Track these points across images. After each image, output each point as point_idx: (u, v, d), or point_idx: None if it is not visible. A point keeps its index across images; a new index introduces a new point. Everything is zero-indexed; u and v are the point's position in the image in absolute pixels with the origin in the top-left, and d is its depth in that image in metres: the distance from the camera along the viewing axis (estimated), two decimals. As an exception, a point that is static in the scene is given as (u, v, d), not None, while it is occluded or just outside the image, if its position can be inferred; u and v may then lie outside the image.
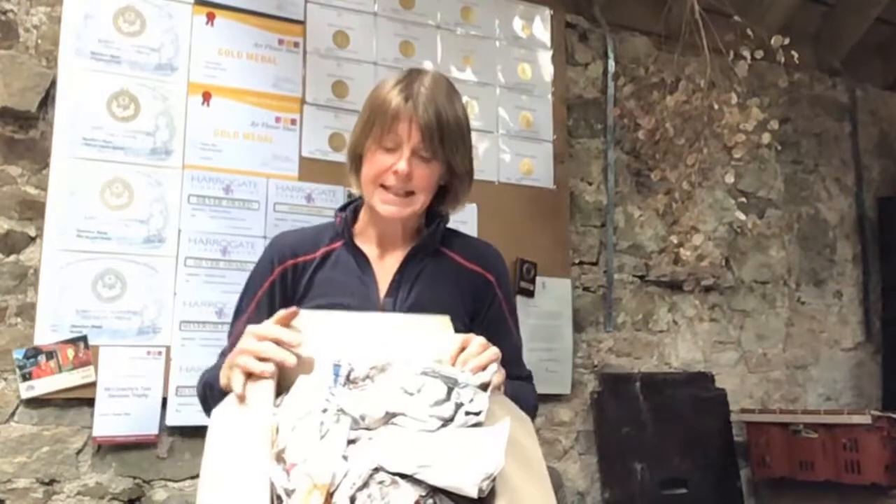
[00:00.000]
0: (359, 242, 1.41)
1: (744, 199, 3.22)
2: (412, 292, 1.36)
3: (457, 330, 1.23)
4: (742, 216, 3.02)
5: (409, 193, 1.34)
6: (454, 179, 1.41)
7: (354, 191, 1.44)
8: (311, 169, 2.50)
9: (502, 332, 1.41)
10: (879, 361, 3.70)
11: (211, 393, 1.26)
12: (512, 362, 1.37)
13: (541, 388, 2.75)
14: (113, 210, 2.22)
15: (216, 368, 1.25)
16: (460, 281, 1.42)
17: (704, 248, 2.89)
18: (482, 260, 1.45)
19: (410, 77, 1.36)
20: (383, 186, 1.33)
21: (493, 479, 0.93)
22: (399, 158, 1.31)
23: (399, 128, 1.31)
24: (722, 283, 3.30)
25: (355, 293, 1.35)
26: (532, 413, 1.34)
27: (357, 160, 1.40)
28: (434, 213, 1.44)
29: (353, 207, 1.44)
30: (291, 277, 1.39)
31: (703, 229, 2.94)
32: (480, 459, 0.93)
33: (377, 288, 1.37)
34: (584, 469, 2.90)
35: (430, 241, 1.42)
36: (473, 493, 0.90)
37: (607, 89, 3.13)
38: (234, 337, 1.30)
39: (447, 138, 1.33)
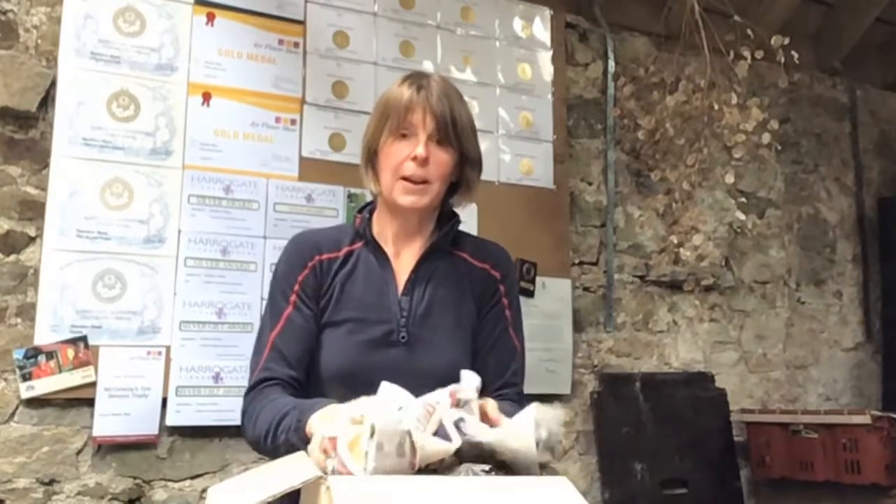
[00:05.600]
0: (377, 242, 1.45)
1: (744, 199, 3.22)
2: (426, 292, 1.41)
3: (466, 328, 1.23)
4: (742, 216, 3.02)
5: (426, 182, 1.38)
6: (467, 167, 1.45)
7: (372, 188, 1.47)
8: (311, 169, 2.50)
9: (498, 330, 1.44)
10: (879, 361, 3.70)
11: (281, 438, 1.23)
12: (501, 370, 1.41)
13: (541, 388, 2.77)
14: (113, 210, 2.22)
15: (296, 412, 1.23)
16: (471, 280, 1.46)
17: (704, 248, 2.89)
18: (491, 258, 1.50)
19: (419, 75, 1.43)
20: (403, 178, 1.37)
21: None
22: (416, 144, 1.36)
23: (413, 117, 1.37)
24: (722, 283, 3.30)
25: (375, 292, 1.40)
26: None
27: (372, 157, 1.44)
28: (445, 214, 1.48)
29: (368, 209, 1.49)
30: (320, 272, 1.42)
31: (703, 229, 2.94)
32: None
33: (396, 286, 1.41)
34: (584, 469, 2.89)
35: (443, 241, 1.46)
36: None
37: (607, 89, 3.13)
38: (279, 330, 1.37)
39: (460, 124, 1.40)
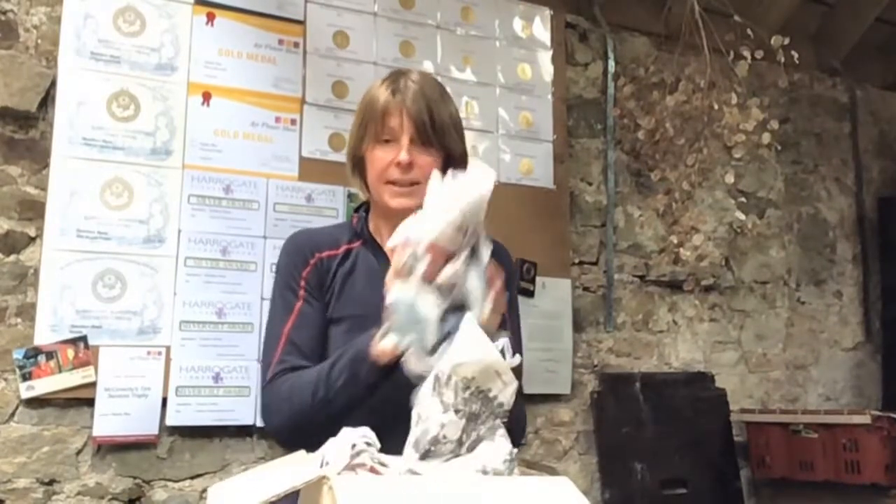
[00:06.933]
0: None
1: (744, 199, 3.22)
2: None
3: None
4: (742, 216, 3.03)
5: (415, 183, 1.37)
6: (451, 165, 1.43)
7: (361, 194, 1.48)
8: (311, 169, 2.50)
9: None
10: (879, 361, 3.70)
11: (339, 381, 1.24)
12: None
13: (541, 388, 2.78)
14: (113, 210, 2.22)
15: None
16: None
17: (704, 248, 2.89)
18: (494, 256, 1.48)
19: (397, 74, 1.42)
20: (390, 182, 1.37)
21: None
22: (399, 150, 1.36)
23: (392, 121, 1.36)
24: (722, 283, 3.30)
25: (376, 290, 1.37)
26: (522, 436, 1.39)
27: (358, 163, 1.44)
28: None
29: (364, 208, 1.49)
30: (321, 269, 1.41)
31: (703, 229, 2.94)
32: None
33: None
34: (584, 469, 2.89)
35: None
36: None
37: (607, 89, 3.13)
38: (292, 323, 1.36)
39: (438, 124, 1.38)
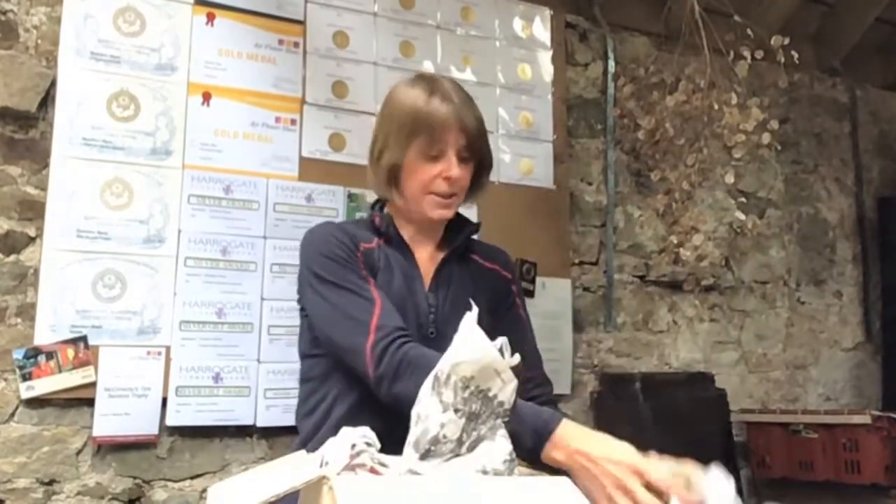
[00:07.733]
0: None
1: (744, 199, 3.22)
2: (450, 292, 1.46)
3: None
4: (742, 216, 3.02)
5: (454, 195, 1.44)
6: (482, 173, 1.51)
7: (397, 200, 1.48)
8: (311, 169, 2.50)
9: (521, 332, 1.50)
10: (879, 361, 3.70)
11: None
12: (534, 365, 1.46)
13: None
14: (113, 210, 2.22)
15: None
16: (483, 280, 1.52)
17: (704, 248, 2.89)
18: (499, 260, 1.58)
19: (434, 83, 1.43)
20: (431, 193, 1.42)
21: None
22: (448, 164, 1.40)
23: (447, 136, 1.39)
24: (722, 283, 3.30)
25: (409, 286, 1.44)
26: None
27: (395, 172, 1.44)
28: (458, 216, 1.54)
29: (379, 207, 1.53)
30: (367, 258, 1.42)
31: (703, 229, 2.94)
32: None
33: (423, 282, 1.46)
34: (584, 469, 2.89)
35: (463, 244, 1.52)
36: None
37: (607, 89, 3.13)
38: (379, 295, 1.32)
39: (483, 138, 1.45)
